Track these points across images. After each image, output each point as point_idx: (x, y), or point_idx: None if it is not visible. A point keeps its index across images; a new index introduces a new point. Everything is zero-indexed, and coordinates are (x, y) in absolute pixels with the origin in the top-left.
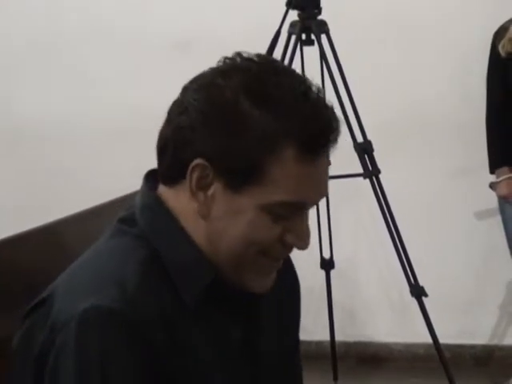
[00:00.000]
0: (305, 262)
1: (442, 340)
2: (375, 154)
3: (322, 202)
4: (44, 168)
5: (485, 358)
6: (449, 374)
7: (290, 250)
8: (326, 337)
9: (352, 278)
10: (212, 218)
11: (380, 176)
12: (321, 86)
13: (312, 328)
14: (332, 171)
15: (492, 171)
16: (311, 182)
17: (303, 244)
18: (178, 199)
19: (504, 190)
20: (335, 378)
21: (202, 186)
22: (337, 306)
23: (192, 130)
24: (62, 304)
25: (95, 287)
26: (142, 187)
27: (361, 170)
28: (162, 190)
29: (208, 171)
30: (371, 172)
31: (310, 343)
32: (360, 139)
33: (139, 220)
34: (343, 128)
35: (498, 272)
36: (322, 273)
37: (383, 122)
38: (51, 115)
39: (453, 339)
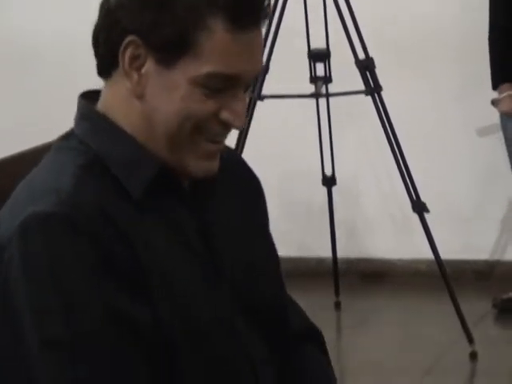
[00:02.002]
0: (306, 178)
1: (443, 255)
2: (377, 71)
3: (324, 120)
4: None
5: (486, 273)
6: (450, 289)
7: (227, 129)
8: (328, 254)
9: (354, 194)
10: (147, 97)
11: (382, 94)
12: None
13: (314, 245)
14: (334, 89)
15: (494, 87)
16: (242, 54)
17: (238, 121)
18: (114, 90)
19: (506, 106)
20: (337, 295)
21: (136, 65)
22: (339, 222)
23: (121, 8)
24: (3, 224)
25: (31, 198)
26: (78, 102)
27: (363, 88)
28: (101, 98)
29: (140, 50)
30: (373, 89)
31: (311, 260)
32: (362, 56)
33: (77, 131)
34: (346, 46)
35: (499, 188)
36: (324, 190)
37: (385, 40)
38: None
39: (454, 255)
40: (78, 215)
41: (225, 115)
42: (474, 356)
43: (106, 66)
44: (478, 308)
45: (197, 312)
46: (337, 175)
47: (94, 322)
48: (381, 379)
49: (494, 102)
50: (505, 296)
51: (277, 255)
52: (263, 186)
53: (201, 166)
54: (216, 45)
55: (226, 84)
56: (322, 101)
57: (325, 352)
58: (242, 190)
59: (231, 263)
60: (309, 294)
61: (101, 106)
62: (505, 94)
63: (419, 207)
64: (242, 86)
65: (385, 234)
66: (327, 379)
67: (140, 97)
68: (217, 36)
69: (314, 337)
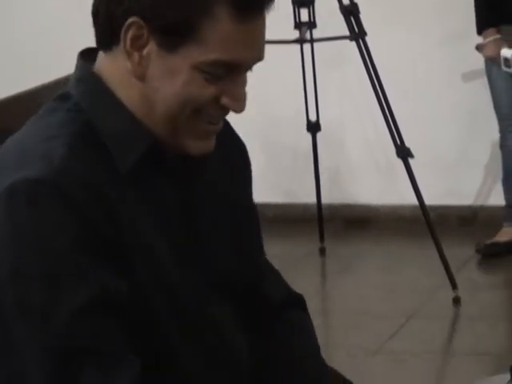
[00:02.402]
0: (291, 125)
1: (427, 201)
2: (362, 18)
3: (308, 65)
4: None
5: (469, 218)
6: (434, 235)
7: (226, 112)
8: (313, 200)
9: (338, 140)
10: (147, 78)
11: (367, 40)
12: None
13: (298, 191)
14: (318, 35)
15: (479, 33)
16: (246, 42)
17: (238, 105)
18: (114, 64)
19: (491, 51)
20: (322, 241)
21: (137, 46)
22: (323, 168)
23: None
24: None
25: (20, 162)
26: (77, 62)
27: (347, 34)
28: (99, 61)
29: (143, 31)
30: (357, 34)
31: (296, 206)
32: (346, 1)
33: (73, 93)
34: None
35: (483, 133)
36: (308, 136)
37: None
38: None
39: (438, 200)
40: (67, 184)
41: (225, 101)
42: (457, 301)
43: (106, 39)
44: (462, 253)
45: (173, 285)
46: (321, 121)
47: (72, 289)
48: (364, 324)
49: (479, 48)
50: (488, 241)
51: (258, 223)
52: (248, 132)
53: (198, 145)
54: (220, 33)
55: (227, 70)
56: (307, 47)
57: (308, 317)
58: (230, 160)
59: (212, 239)
60: (294, 240)
61: (99, 70)
62: (489, 39)
63: (403, 152)
64: (243, 71)
65: (369, 180)
66: (311, 348)
67: (140, 77)
68: (222, 24)
69: (296, 303)
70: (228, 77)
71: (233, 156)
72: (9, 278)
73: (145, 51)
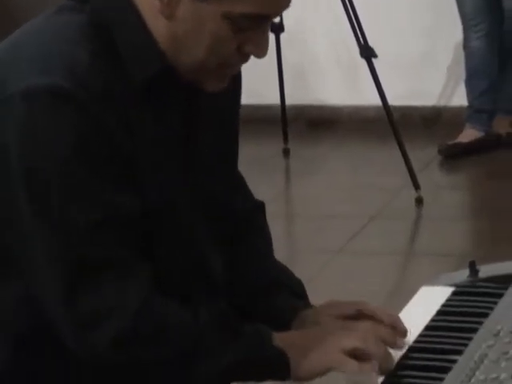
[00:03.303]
0: None
1: (391, 102)
2: None
3: None
4: None
5: (433, 119)
6: (397, 136)
7: (248, 58)
8: (277, 101)
9: (302, 41)
10: (175, 19)
11: None
12: None
13: (262, 92)
14: None
15: None
16: None
17: (262, 52)
18: None
19: None
20: (285, 142)
21: None
22: (287, 69)
23: None
24: (4, 75)
25: (44, 65)
26: None
27: None
28: None
29: None
30: None
31: (260, 108)
32: None
33: None
34: None
35: (447, 33)
36: (272, 36)
37: None
38: None
39: (402, 101)
40: (88, 97)
41: (249, 49)
42: (419, 201)
43: None
44: (424, 154)
45: (173, 203)
46: (285, 22)
47: (87, 201)
48: (328, 225)
49: None
50: (450, 142)
51: (237, 138)
52: None
53: (214, 84)
54: None
55: (256, 22)
56: None
57: (266, 223)
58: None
59: (207, 160)
60: (258, 141)
61: None
62: None
63: (367, 52)
64: (269, 22)
65: (333, 81)
66: (267, 249)
67: (168, 17)
68: None
69: (258, 209)
70: (255, 27)
71: (231, 92)
72: (21, 180)
73: None
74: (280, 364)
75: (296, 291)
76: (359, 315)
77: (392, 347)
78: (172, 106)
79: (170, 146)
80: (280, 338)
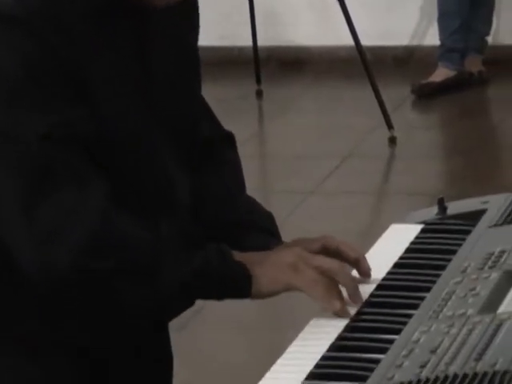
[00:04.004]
0: None
1: (363, 42)
2: None
3: None
4: None
5: (405, 58)
6: (370, 76)
7: None
8: (249, 42)
9: None
10: None
11: None
12: None
13: (235, 34)
14: None
15: None
16: None
17: None
18: None
19: None
20: (258, 83)
21: None
22: (259, 10)
23: None
24: None
25: None
26: None
27: None
28: None
29: None
30: None
31: (232, 49)
32: None
33: None
34: None
35: None
36: None
37: None
38: None
39: (374, 41)
40: (30, 13)
41: None
42: (392, 141)
43: None
44: (397, 94)
45: (132, 122)
46: None
47: (37, 114)
48: (301, 166)
49: None
50: (423, 81)
51: (200, 65)
52: None
53: (168, 1)
54: None
55: None
56: None
57: (237, 155)
58: (183, 9)
59: (165, 81)
60: (231, 83)
61: None
62: None
63: None
64: None
65: (305, 21)
66: (242, 186)
67: None
68: None
69: (227, 141)
70: None
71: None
72: None
73: None
74: (241, 279)
75: (267, 228)
76: (324, 250)
77: (343, 285)
78: (124, 32)
79: (125, 71)
80: (241, 256)
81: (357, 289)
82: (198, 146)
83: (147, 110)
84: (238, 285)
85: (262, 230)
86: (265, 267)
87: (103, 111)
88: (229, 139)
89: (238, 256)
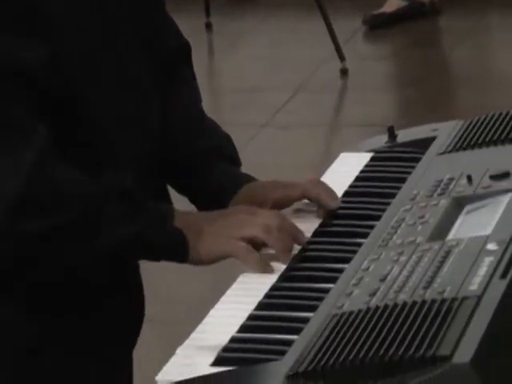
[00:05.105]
0: None
1: None
2: None
3: None
4: None
5: None
6: (322, 7)
7: None
8: None
9: None
10: None
11: None
12: None
13: None
14: None
15: None
16: None
17: None
18: None
19: None
20: (208, 16)
21: None
22: None
23: None
24: None
25: None
26: None
27: None
28: None
29: None
30: None
31: None
32: None
33: None
34: None
35: None
36: None
37: None
38: None
39: None
40: None
41: None
42: (344, 72)
43: None
44: (349, 25)
45: (91, 45)
46: None
47: None
48: (252, 99)
49: None
50: (374, 12)
51: None
52: None
53: None
54: None
55: None
56: None
57: (192, 68)
58: None
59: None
60: (179, 16)
61: None
62: None
63: None
64: None
65: None
66: (199, 105)
67: None
68: None
69: (185, 52)
70: None
71: None
72: None
73: None
74: (178, 247)
75: (230, 156)
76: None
77: (298, 244)
78: None
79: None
80: (181, 218)
81: (287, 254)
82: (164, 58)
83: (107, 21)
84: (175, 252)
85: (226, 158)
86: (203, 236)
87: (66, 44)
88: (187, 50)
89: (179, 218)
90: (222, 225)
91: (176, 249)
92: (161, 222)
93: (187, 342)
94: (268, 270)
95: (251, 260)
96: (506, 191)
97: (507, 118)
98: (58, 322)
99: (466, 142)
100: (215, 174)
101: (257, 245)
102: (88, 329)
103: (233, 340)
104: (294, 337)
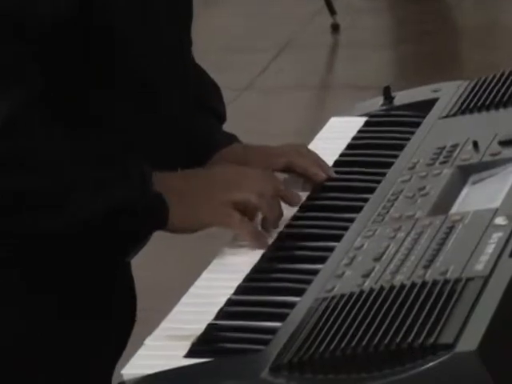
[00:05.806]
0: None
1: None
2: None
3: None
4: None
5: None
6: None
7: None
8: None
9: None
10: None
11: None
12: None
13: None
14: None
15: None
16: None
17: None
18: None
19: None
20: None
21: None
22: None
23: None
24: None
25: None
26: None
27: None
28: None
29: None
30: None
31: None
32: None
33: None
34: None
35: None
36: None
37: None
38: None
39: None
40: None
41: None
42: (335, 28)
43: None
44: None
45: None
46: None
47: None
48: (235, 60)
49: None
50: None
51: None
52: None
53: None
54: None
55: None
56: None
57: None
58: None
59: None
60: None
61: None
62: None
63: None
64: None
65: None
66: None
67: None
68: None
69: None
70: None
71: None
72: None
73: None
74: (156, 210)
75: (215, 110)
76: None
77: (291, 205)
78: None
79: None
80: (161, 181)
81: (275, 223)
82: None
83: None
84: (152, 218)
85: (207, 110)
86: (186, 200)
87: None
88: None
89: (159, 179)
90: (208, 187)
91: (154, 215)
92: (140, 187)
93: (157, 331)
94: (263, 243)
95: (245, 232)
96: None
97: None
98: (47, 321)
99: (471, 104)
100: (192, 128)
101: (246, 211)
102: (78, 329)
103: (209, 328)
104: (278, 324)
